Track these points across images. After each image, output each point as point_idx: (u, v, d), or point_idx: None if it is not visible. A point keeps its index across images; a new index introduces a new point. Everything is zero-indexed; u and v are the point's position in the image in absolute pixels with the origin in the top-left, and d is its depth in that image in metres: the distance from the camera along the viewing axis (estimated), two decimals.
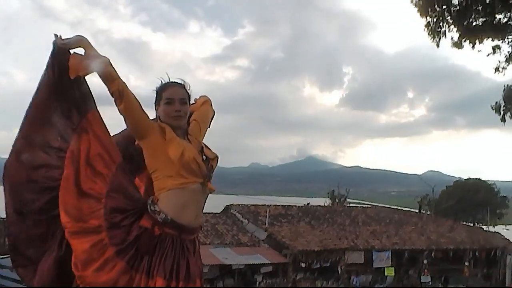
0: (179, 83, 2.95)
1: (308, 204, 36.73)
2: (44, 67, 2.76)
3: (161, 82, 2.94)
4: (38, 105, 2.76)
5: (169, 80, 2.94)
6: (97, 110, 2.85)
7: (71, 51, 2.75)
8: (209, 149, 2.99)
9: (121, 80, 2.66)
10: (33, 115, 2.77)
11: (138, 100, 2.73)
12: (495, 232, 35.97)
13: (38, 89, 2.77)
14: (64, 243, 2.69)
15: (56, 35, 2.72)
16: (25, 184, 2.74)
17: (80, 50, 2.76)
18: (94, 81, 2.82)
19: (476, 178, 54.29)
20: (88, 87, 2.84)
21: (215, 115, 3.33)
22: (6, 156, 2.78)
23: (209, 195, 2.94)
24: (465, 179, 54.98)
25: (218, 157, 2.97)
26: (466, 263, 28.87)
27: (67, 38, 2.73)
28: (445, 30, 14.72)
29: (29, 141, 2.77)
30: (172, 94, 2.86)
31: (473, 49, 14.94)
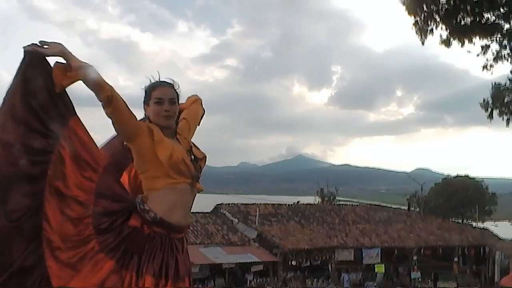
0: (169, 83, 2.94)
1: (298, 202, 36.78)
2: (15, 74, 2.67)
3: (150, 81, 2.93)
4: (15, 114, 2.64)
5: (159, 79, 2.93)
6: (77, 116, 2.80)
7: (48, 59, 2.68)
8: (198, 148, 2.99)
9: (109, 85, 2.63)
10: (9, 125, 2.64)
11: (125, 103, 2.70)
12: (484, 228, 36.23)
13: (10, 95, 2.66)
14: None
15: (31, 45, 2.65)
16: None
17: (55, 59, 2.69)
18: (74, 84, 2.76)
19: (464, 175, 54.53)
20: (67, 94, 2.78)
21: (205, 114, 3.32)
22: None
23: (199, 194, 2.95)
24: (453, 177, 55.20)
25: (206, 157, 2.98)
26: (455, 260, 29.06)
27: (44, 42, 2.67)
28: (432, 29, 14.79)
29: (6, 150, 2.64)
30: (161, 94, 2.85)
31: (462, 47, 15.02)
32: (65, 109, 2.76)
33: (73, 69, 2.64)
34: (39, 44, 2.67)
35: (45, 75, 2.67)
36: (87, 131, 2.81)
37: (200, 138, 3.15)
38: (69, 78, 2.67)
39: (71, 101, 2.80)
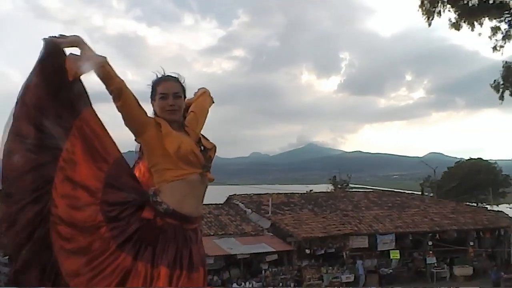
0: (173, 77, 2.97)
1: (310, 191, 36.79)
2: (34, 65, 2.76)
3: (156, 76, 2.96)
4: (28, 103, 2.74)
5: (164, 74, 2.97)
6: (92, 107, 2.85)
7: (66, 50, 2.75)
8: (206, 139, 3.01)
9: (119, 78, 2.69)
10: (22, 114, 2.75)
11: (135, 97, 2.76)
12: (498, 211, 36.00)
13: (26, 87, 2.76)
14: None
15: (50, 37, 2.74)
16: (18, 183, 2.73)
17: (75, 50, 2.75)
18: (89, 78, 2.82)
19: (477, 158, 54.29)
20: (83, 85, 2.84)
21: (214, 106, 3.36)
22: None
23: (211, 186, 2.98)
24: (466, 160, 54.95)
25: (215, 147, 3.00)
26: (471, 244, 28.93)
27: (62, 35, 2.75)
28: (440, 11, 14.66)
29: (19, 141, 2.74)
30: (165, 89, 2.90)
31: (472, 31, 14.88)
32: (79, 99, 2.82)
33: (85, 58, 2.70)
34: (58, 37, 2.75)
35: (60, 64, 2.74)
36: (100, 122, 2.86)
37: (211, 130, 3.19)
38: (82, 67, 2.72)
39: (86, 93, 2.86)
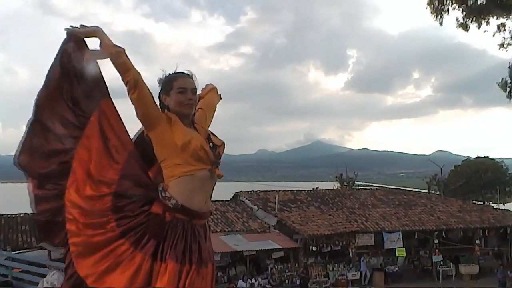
0: (189, 74, 3.02)
1: (317, 188, 36.67)
2: (52, 59, 2.85)
3: (164, 73, 3.00)
4: (50, 93, 2.84)
5: (175, 71, 3.01)
6: (111, 99, 2.92)
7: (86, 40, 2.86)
8: (215, 136, 3.05)
9: (136, 70, 2.74)
10: (44, 102, 2.85)
11: (150, 91, 2.80)
12: (505, 210, 35.85)
13: (49, 77, 2.85)
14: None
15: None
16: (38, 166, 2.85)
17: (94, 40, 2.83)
18: (105, 75, 2.88)
19: (484, 157, 54.05)
20: (103, 77, 2.91)
21: (221, 103, 3.40)
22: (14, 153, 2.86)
23: (218, 182, 3.00)
24: (473, 158, 54.74)
25: (224, 144, 3.03)
26: (477, 242, 28.86)
27: (82, 26, 2.84)
28: (448, 8, 14.60)
29: (42, 128, 2.85)
30: (184, 84, 2.94)
31: (479, 28, 14.83)
32: (98, 91, 2.89)
33: (103, 47, 2.76)
34: (78, 27, 2.84)
35: (81, 55, 2.83)
36: (118, 115, 2.93)
37: (218, 127, 3.21)
38: (100, 56, 2.80)
39: (106, 86, 2.93)
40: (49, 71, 2.85)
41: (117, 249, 2.70)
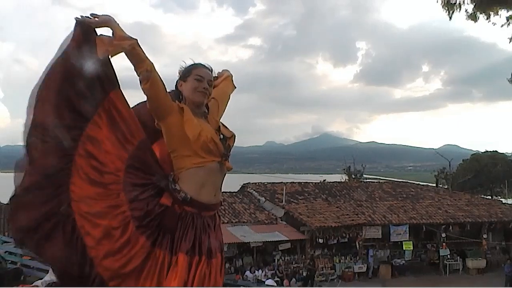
0: (209, 68, 3.04)
1: (324, 180, 36.65)
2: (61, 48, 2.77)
3: (182, 65, 3.01)
4: (52, 84, 2.74)
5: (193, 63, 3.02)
6: (120, 89, 2.89)
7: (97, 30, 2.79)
8: (226, 128, 3.03)
9: (149, 61, 2.71)
10: (47, 95, 2.74)
11: (163, 82, 2.78)
12: None
13: (52, 68, 2.76)
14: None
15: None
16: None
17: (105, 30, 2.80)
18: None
19: (493, 151, 53.75)
20: (112, 67, 2.87)
21: (231, 94, 3.36)
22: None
23: (226, 174, 2.98)
24: (482, 152, 54.46)
25: (235, 136, 3.02)
26: (485, 236, 28.79)
27: (94, 15, 2.77)
28: (459, 2, 14.48)
29: (41, 125, 2.73)
30: (203, 74, 2.96)
31: (488, 21, 14.70)
32: (107, 80, 2.85)
33: (117, 38, 2.71)
34: (90, 17, 2.76)
35: (91, 45, 2.76)
36: (127, 104, 2.90)
37: (226, 118, 3.17)
38: (113, 47, 2.73)
39: (115, 75, 2.89)
40: (56, 60, 2.76)
41: (137, 243, 2.68)
